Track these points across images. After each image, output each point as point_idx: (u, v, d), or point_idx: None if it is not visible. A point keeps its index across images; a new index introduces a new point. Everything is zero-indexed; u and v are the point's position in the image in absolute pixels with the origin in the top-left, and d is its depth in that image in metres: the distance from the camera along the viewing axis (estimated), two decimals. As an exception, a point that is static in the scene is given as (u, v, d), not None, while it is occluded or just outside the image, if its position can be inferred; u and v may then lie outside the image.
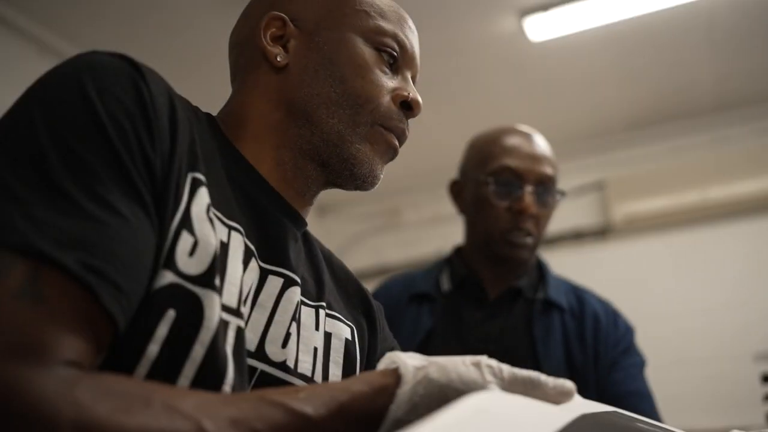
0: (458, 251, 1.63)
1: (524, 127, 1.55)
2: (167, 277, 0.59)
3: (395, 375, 0.57)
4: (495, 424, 0.45)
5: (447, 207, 3.76)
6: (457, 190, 1.59)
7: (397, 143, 0.83)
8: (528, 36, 3.17)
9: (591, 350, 1.50)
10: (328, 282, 0.87)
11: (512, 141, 1.49)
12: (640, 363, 1.53)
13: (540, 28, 3.10)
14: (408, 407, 0.55)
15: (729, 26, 3.25)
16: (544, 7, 2.98)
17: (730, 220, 3.89)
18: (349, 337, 0.84)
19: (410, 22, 0.87)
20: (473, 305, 1.51)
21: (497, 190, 1.46)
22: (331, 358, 0.81)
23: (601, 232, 4.15)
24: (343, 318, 0.86)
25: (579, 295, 1.59)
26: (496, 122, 1.70)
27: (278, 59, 0.80)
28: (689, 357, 3.71)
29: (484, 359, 0.58)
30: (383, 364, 0.60)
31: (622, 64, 3.51)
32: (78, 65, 0.61)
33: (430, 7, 2.87)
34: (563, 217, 3.98)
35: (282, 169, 0.80)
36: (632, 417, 0.65)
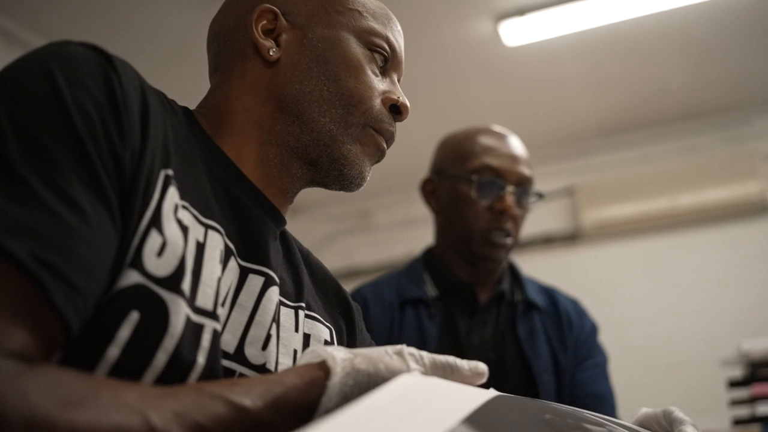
0: (431, 253, 1.59)
1: (499, 128, 1.56)
2: (132, 277, 0.57)
3: (324, 367, 0.58)
4: (421, 401, 0.50)
5: (418, 209, 3.77)
6: (430, 189, 1.57)
7: (385, 146, 0.83)
8: (503, 40, 3.17)
9: (571, 349, 1.53)
10: (307, 282, 0.85)
11: (492, 140, 1.49)
12: (602, 362, 1.56)
13: (515, 33, 3.11)
14: (339, 398, 0.56)
15: (701, 36, 3.29)
16: (520, 12, 2.99)
17: (698, 227, 3.94)
18: (328, 339, 0.83)
19: (398, 25, 0.86)
20: (465, 311, 1.50)
21: (478, 188, 1.45)
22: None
23: (571, 238, 4.17)
24: (321, 319, 0.84)
25: (550, 294, 1.61)
26: (469, 125, 1.69)
27: (270, 53, 0.78)
28: (656, 362, 3.75)
29: (405, 348, 0.60)
30: (307, 357, 0.60)
31: (595, 70, 3.53)
32: (47, 54, 0.59)
33: (406, 9, 2.85)
34: (534, 222, 3.99)
35: (266, 165, 0.78)
36: (560, 406, 0.68)
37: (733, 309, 3.75)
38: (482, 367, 0.63)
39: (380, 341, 1.29)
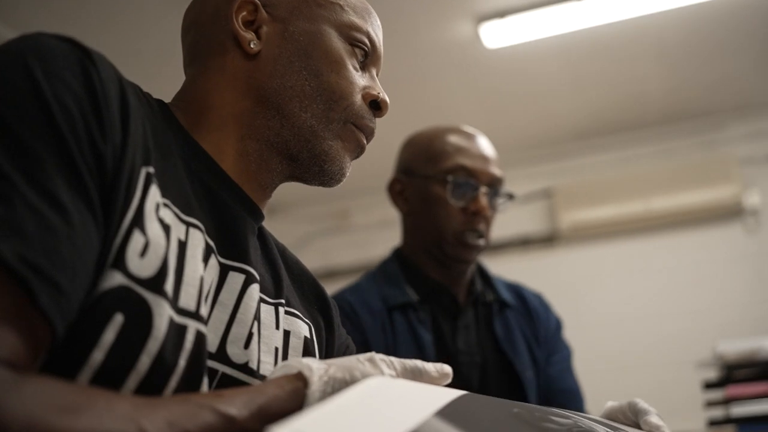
0: (401, 254, 1.55)
1: (467, 127, 1.55)
2: (116, 279, 0.56)
3: (301, 377, 0.59)
4: (395, 398, 0.54)
5: (395, 210, 3.76)
6: (398, 189, 1.54)
7: (365, 143, 0.83)
8: (483, 42, 3.18)
9: (542, 344, 1.55)
10: (285, 278, 0.84)
11: (463, 140, 1.48)
12: (568, 356, 1.59)
13: (496, 34, 3.11)
14: None
15: (678, 41, 3.32)
16: (501, 14, 3.00)
17: (673, 230, 3.98)
18: (308, 335, 0.82)
19: (378, 20, 0.85)
20: (447, 315, 1.48)
21: (453, 189, 1.44)
22: (290, 357, 0.79)
23: (548, 239, 4.20)
24: (300, 315, 0.83)
25: (517, 290, 1.62)
26: (437, 125, 1.67)
27: (251, 45, 0.77)
28: (632, 363, 3.78)
29: (376, 355, 0.62)
30: (281, 371, 0.61)
31: (573, 74, 3.55)
32: (23, 47, 0.57)
33: (387, 8, 2.85)
34: (511, 224, 4.01)
35: (245, 160, 0.77)
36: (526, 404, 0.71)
37: (706, 311, 3.79)
38: (447, 368, 0.66)
39: (377, 349, 1.24)
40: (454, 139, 1.48)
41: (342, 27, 0.80)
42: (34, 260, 0.48)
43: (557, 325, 1.61)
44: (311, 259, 4.49)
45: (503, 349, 1.48)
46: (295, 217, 4.60)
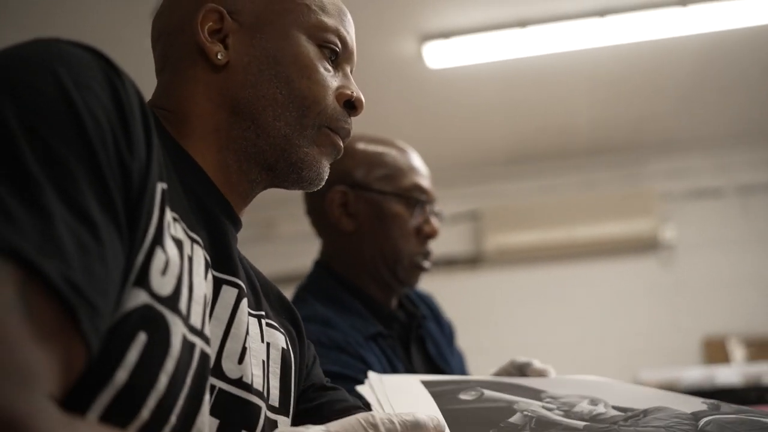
0: (333, 274, 1.39)
1: (402, 142, 1.47)
2: (141, 297, 0.54)
3: None
4: None
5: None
6: (341, 202, 1.37)
7: (342, 145, 0.81)
8: (426, 61, 3.20)
9: (450, 347, 1.51)
10: (259, 288, 0.82)
11: (414, 158, 1.41)
12: (462, 359, 1.55)
13: (438, 55, 3.15)
14: None
15: (609, 77, 3.45)
16: (445, 35, 3.03)
17: (592, 259, 4.10)
18: (285, 346, 0.81)
19: (349, 15, 0.84)
20: (401, 340, 1.40)
21: (411, 210, 1.36)
22: (270, 369, 0.77)
23: (473, 261, 4.25)
24: (277, 326, 0.82)
25: (420, 297, 1.55)
26: (374, 135, 1.60)
27: (218, 57, 0.74)
28: (546, 388, 3.86)
29: (377, 417, 0.61)
30: None
31: (508, 100, 3.63)
32: (48, 54, 0.53)
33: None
34: (436, 244, 4.03)
35: (227, 172, 0.76)
36: None
37: (622, 340, 3.92)
38: (442, 421, 0.66)
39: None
40: (405, 156, 1.41)
41: (310, 29, 0.78)
42: (76, 281, 0.46)
43: (452, 329, 1.57)
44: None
45: (439, 367, 1.43)
46: (218, 223, 4.50)
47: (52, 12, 2.82)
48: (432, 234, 1.38)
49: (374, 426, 0.60)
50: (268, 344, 0.77)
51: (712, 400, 0.85)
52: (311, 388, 0.85)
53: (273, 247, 4.50)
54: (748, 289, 3.94)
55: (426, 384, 0.88)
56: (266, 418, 0.72)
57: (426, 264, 1.39)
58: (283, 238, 4.50)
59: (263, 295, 0.83)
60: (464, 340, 1.78)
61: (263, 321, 0.78)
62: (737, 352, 3.70)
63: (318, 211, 1.39)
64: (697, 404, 0.83)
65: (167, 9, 0.79)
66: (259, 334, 0.76)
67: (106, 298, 0.49)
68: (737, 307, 3.92)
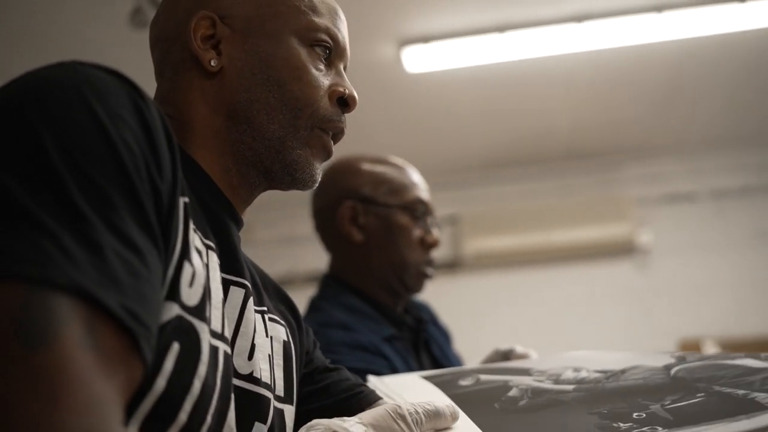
0: (344, 283, 1.50)
1: (400, 159, 1.58)
2: (173, 310, 0.57)
3: None
4: None
5: (301, 227, 3.72)
6: (351, 216, 1.48)
7: (332, 146, 0.83)
8: (405, 66, 3.21)
9: (450, 346, 1.60)
10: (259, 283, 0.84)
11: (415, 174, 1.53)
12: (461, 362, 1.63)
13: (417, 59, 3.16)
14: None
15: (585, 82, 3.48)
16: (425, 40, 3.04)
17: (569, 263, 4.13)
18: (286, 338, 0.84)
19: (339, 11, 0.85)
20: (412, 344, 1.48)
21: (415, 221, 1.46)
22: (274, 361, 0.80)
23: (452, 265, 4.26)
24: (278, 319, 0.84)
25: (418, 304, 1.63)
26: (360, 147, 1.67)
27: (212, 63, 0.77)
28: (525, 392, 3.88)
29: (404, 408, 0.67)
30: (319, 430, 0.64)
31: (487, 105, 3.65)
32: (78, 81, 0.55)
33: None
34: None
35: (228, 176, 0.78)
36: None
37: (596, 343, 3.94)
38: (457, 409, 0.74)
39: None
40: (405, 172, 1.52)
41: (300, 31, 0.79)
42: (132, 308, 0.49)
43: (448, 331, 1.66)
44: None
45: (444, 367, 1.49)
46: (196, 228, 4.47)
47: (30, 10, 2.79)
48: (434, 243, 1.48)
49: (402, 417, 0.66)
50: (271, 338, 0.80)
51: (678, 353, 0.95)
52: (315, 371, 0.89)
53: (251, 251, 4.46)
54: (723, 292, 4.00)
55: (426, 378, 0.98)
56: (274, 408, 0.75)
57: (430, 271, 1.49)
58: (260, 243, 4.48)
59: (263, 289, 0.85)
60: (444, 344, 1.80)
61: (266, 316, 0.80)
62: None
63: (328, 226, 1.49)
64: (666, 358, 0.93)
65: (162, 16, 0.81)
66: (264, 329, 0.78)
67: (156, 317, 0.53)
68: (712, 310, 3.97)
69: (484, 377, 0.95)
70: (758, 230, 4.08)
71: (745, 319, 3.92)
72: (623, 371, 0.89)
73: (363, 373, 1.11)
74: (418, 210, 1.46)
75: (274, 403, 0.75)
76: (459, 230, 4.26)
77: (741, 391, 0.77)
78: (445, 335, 1.63)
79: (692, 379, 0.83)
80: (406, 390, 0.93)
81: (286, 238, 4.33)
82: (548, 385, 0.88)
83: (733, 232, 4.09)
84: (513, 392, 0.86)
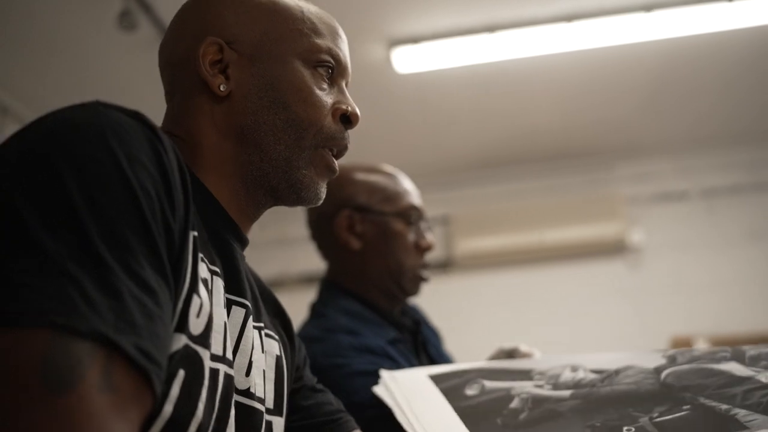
0: (343, 290, 1.53)
1: (390, 167, 1.62)
2: (181, 340, 0.61)
3: None
4: None
5: (293, 229, 3.72)
6: (347, 224, 1.51)
7: (336, 166, 0.86)
8: (395, 67, 3.21)
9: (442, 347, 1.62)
10: (259, 298, 0.88)
11: (406, 181, 1.57)
12: (452, 360, 1.66)
13: (407, 60, 3.16)
14: None
15: (576, 82, 3.49)
16: (414, 40, 3.04)
17: (561, 263, 4.14)
18: (279, 353, 0.87)
19: (340, 30, 0.88)
20: (412, 347, 1.51)
21: (409, 227, 1.50)
22: (266, 375, 0.83)
23: (444, 266, 4.25)
24: (273, 334, 0.87)
25: (410, 307, 1.65)
26: (351, 147, 1.65)
27: (221, 88, 0.80)
28: (517, 391, 3.88)
29: None
30: None
31: (477, 105, 3.65)
32: (100, 127, 0.59)
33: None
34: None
35: (236, 197, 0.81)
36: None
37: (588, 342, 3.95)
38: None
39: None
40: (396, 180, 1.55)
41: (303, 53, 0.82)
42: (146, 348, 0.53)
43: (438, 332, 1.69)
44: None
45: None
46: (187, 230, 4.46)
47: (18, 11, 2.78)
48: (429, 247, 1.52)
49: None
50: (266, 352, 0.83)
51: (670, 352, 1.00)
52: (303, 388, 0.93)
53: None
54: (714, 290, 4.01)
55: (434, 378, 1.04)
56: (266, 421, 0.79)
57: (426, 274, 1.52)
58: (252, 245, 4.46)
59: (262, 302, 0.88)
60: (436, 344, 1.80)
61: (263, 332, 0.84)
62: (704, 352, 3.75)
63: (326, 235, 1.52)
64: (658, 359, 0.98)
65: (171, 41, 0.84)
66: (261, 345, 0.82)
67: (166, 352, 0.58)
68: (704, 308, 3.98)
69: (488, 384, 0.99)
70: (749, 228, 4.09)
71: (736, 317, 3.93)
72: (617, 372, 0.94)
73: (372, 376, 1.16)
74: (412, 216, 1.50)
75: (265, 416, 0.78)
76: (450, 230, 4.26)
77: (724, 406, 0.82)
78: (436, 335, 1.66)
79: (680, 387, 0.88)
80: (414, 398, 0.97)
81: (278, 239, 4.32)
82: (547, 391, 0.93)
83: (724, 231, 4.11)
84: (514, 403, 0.91)
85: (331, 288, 1.53)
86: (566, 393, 0.91)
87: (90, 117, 0.59)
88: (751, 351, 0.96)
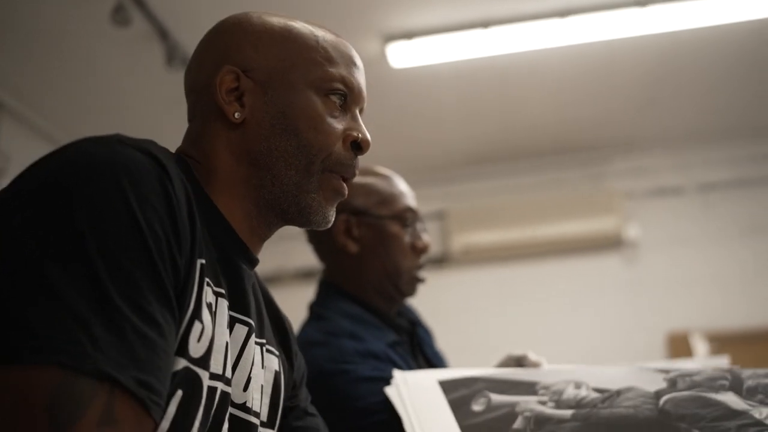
0: (343, 292, 1.53)
1: (385, 170, 1.62)
2: (181, 363, 0.65)
3: None
4: None
5: (289, 227, 3.70)
6: (344, 228, 1.52)
7: (345, 190, 0.88)
8: (390, 62, 3.21)
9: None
10: (264, 315, 0.91)
11: (402, 184, 1.57)
12: (443, 360, 1.66)
13: (402, 55, 3.15)
14: None
15: (572, 77, 3.48)
16: (409, 36, 3.04)
17: (557, 257, 4.14)
18: (277, 368, 0.89)
19: (356, 58, 0.90)
20: (409, 349, 1.52)
21: (405, 229, 1.51)
22: (263, 390, 0.86)
23: (439, 261, 4.25)
24: (273, 349, 0.90)
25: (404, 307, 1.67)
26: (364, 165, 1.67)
27: (236, 116, 0.82)
28: (514, 386, 3.88)
29: None
30: None
31: (473, 100, 3.64)
32: (115, 167, 0.63)
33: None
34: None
35: (248, 219, 0.84)
36: None
37: (585, 336, 3.96)
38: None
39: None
40: (391, 182, 1.56)
41: (315, 82, 0.84)
42: (146, 380, 0.58)
43: (430, 331, 1.69)
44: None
45: (436, 366, 1.54)
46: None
47: (11, 3, 2.76)
48: (425, 248, 1.52)
49: None
50: (265, 368, 0.87)
51: (671, 375, 1.01)
52: (296, 408, 0.97)
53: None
54: (710, 285, 4.01)
55: (443, 385, 1.08)
56: None
57: (422, 276, 1.52)
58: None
59: (267, 319, 0.92)
60: (430, 340, 1.80)
61: (264, 348, 0.87)
62: (700, 347, 3.76)
63: (323, 239, 1.52)
64: (659, 381, 1.00)
65: (194, 67, 0.88)
66: (261, 361, 0.85)
67: (167, 379, 0.62)
68: (700, 303, 3.99)
69: (494, 398, 1.02)
70: (745, 223, 4.09)
71: (732, 313, 3.93)
72: (618, 393, 0.97)
73: (377, 382, 1.19)
74: (408, 218, 1.50)
75: (259, 429, 0.82)
76: (446, 225, 4.26)
77: None
78: (429, 334, 1.66)
79: (676, 416, 0.91)
80: (422, 410, 1.02)
81: (276, 235, 4.30)
82: (550, 410, 0.96)
83: (720, 226, 4.11)
84: (518, 423, 0.95)
85: (330, 290, 1.53)
86: (567, 413, 0.94)
87: (107, 155, 0.64)
88: (749, 381, 0.97)
